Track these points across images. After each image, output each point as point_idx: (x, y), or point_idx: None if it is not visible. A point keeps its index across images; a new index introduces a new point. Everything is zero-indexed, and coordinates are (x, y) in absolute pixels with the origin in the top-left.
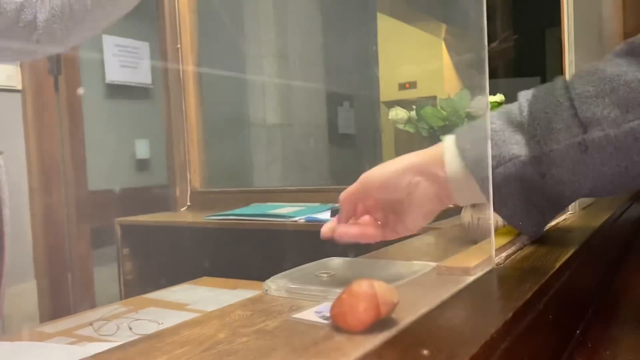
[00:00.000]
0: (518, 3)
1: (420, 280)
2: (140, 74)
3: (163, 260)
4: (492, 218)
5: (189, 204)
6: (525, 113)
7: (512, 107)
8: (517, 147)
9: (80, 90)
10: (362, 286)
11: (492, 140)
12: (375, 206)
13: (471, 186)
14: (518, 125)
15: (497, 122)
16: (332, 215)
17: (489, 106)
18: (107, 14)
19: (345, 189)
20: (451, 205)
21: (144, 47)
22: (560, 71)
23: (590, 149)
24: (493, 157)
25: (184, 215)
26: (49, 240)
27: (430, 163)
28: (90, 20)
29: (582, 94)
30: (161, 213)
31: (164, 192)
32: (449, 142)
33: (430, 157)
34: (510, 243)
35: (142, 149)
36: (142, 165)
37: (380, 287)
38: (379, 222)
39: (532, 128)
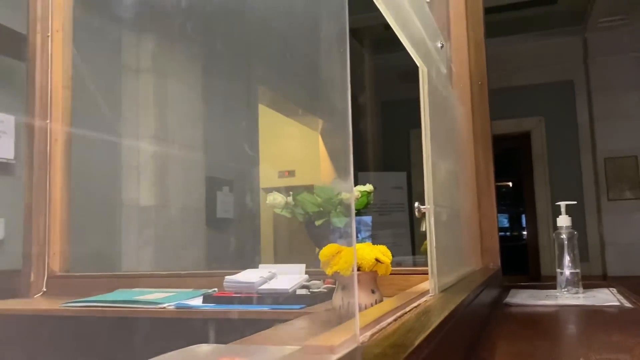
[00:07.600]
0: (386, 106)
1: None
2: (2, 148)
3: (11, 355)
4: (357, 299)
5: (44, 289)
6: None
7: None
8: None
9: None
10: None
11: None
12: None
13: None
14: None
15: None
16: (205, 301)
17: (354, 194)
18: None
19: (222, 273)
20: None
21: (8, 121)
22: (422, 167)
23: None
24: None
25: (38, 303)
26: None
27: None
28: None
29: None
30: (10, 300)
31: (16, 276)
32: None
33: None
34: (375, 322)
35: None
36: None
37: None
38: None
39: None
